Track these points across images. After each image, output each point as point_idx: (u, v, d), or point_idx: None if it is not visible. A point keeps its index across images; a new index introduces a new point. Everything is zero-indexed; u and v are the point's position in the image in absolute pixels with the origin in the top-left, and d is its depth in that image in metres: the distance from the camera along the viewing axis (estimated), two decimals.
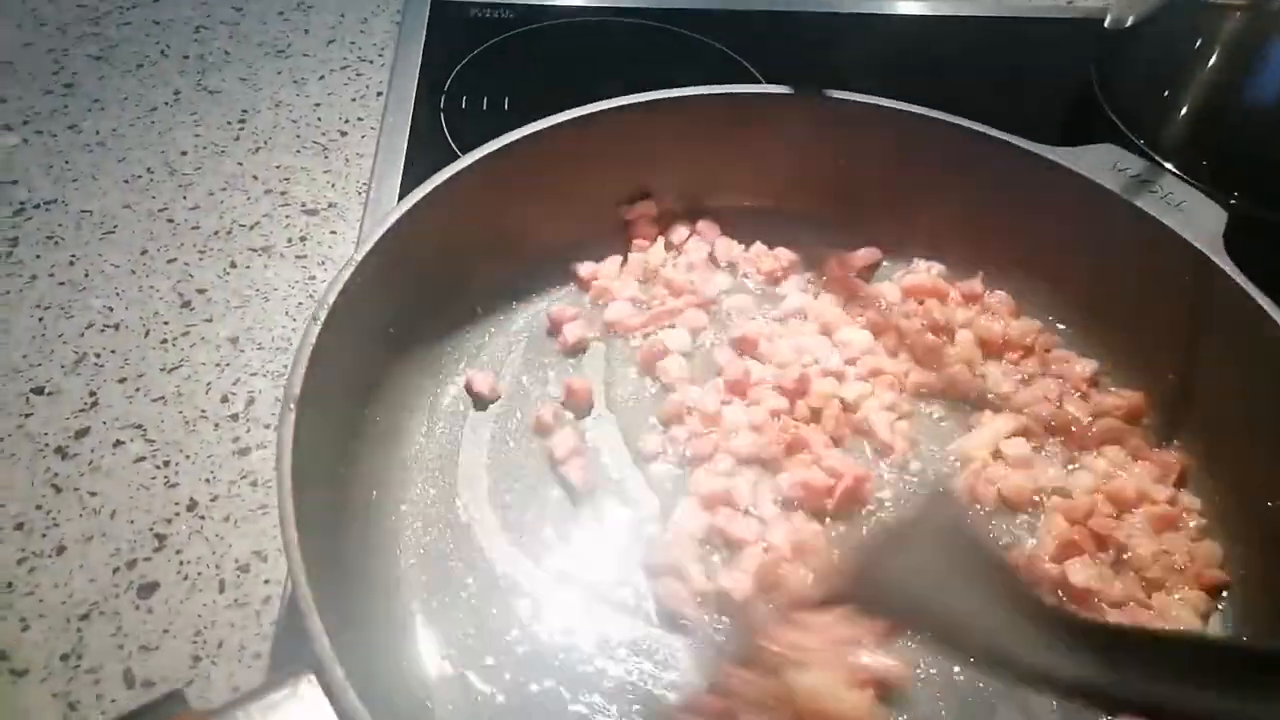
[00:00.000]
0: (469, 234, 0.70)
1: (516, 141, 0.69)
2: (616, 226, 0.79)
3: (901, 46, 1.06)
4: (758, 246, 0.79)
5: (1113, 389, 0.72)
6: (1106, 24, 1.00)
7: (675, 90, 0.73)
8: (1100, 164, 0.71)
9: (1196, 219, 0.67)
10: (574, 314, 0.74)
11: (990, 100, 0.95)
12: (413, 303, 0.68)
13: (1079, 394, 0.72)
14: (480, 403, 0.70)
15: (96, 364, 0.74)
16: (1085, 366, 0.72)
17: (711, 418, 0.68)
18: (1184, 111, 0.93)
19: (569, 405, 0.69)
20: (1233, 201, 0.88)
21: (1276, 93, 0.87)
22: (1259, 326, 0.62)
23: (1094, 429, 0.70)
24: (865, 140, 0.75)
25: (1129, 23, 0.97)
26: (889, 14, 1.11)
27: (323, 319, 0.57)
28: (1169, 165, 0.90)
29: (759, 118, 0.75)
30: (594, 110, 0.72)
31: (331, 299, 0.59)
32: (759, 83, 0.95)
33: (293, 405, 0.53)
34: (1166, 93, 0.94)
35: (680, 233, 0.79)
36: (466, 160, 0.68)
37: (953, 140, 0.73)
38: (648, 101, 0.72)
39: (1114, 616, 0.60)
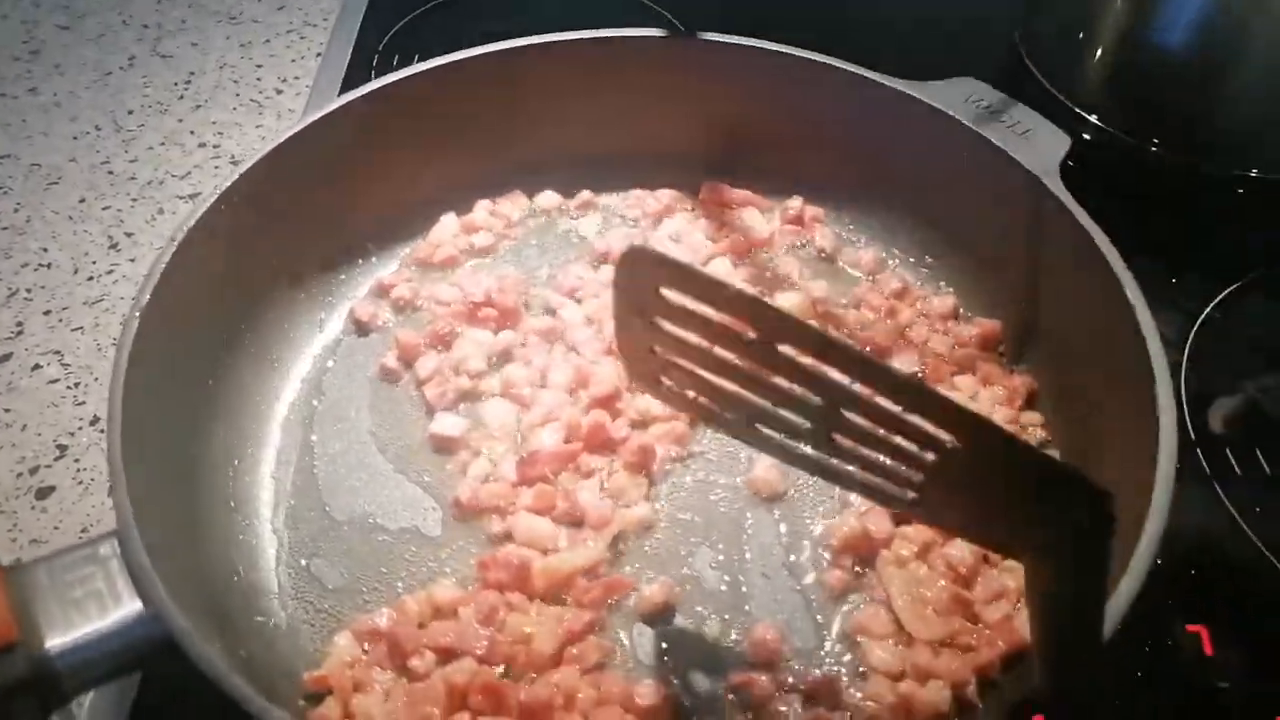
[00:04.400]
0: (348, 173, 0.75)
1: (389, 85, 0.74)
2: (499, 171, 0.82)
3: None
4: (636, 192, 0.82)
5: (969, 317, 0.73)
6: None
7: (544, 36, 0.77)
8: (956, 97, 0.72)
9: (1040, 147, 0.68)
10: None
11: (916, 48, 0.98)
12: (295, 237, 0.73)
13: (940, 330, 0.73)
14: (362, 330, 0.75)
15: (26, 298, 0.81)
16: (944, 302, 0.74)
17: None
18: (1097, 56, 0.93)
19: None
20: (1154, 149, 0.89)
21: (1183, 35, 0.87)
22: (1085, 248, 0.63)
23: (950, 359, 0.72)
24: (738, 82, 0.78)
25: None
26: None
27: (179, 239, 0.63)
28: (1086, 108, 0.91)
29: (634, 62, 0.78)
30: (464, 56, 0.76)
31: (189, 224, 0.64)
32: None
33: (138, 314, 0.58)
34: (1080, 35, 0.94)
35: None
36: (339, 101, 0.72)
37: (816, 78, 0.75)
38: (516, 48, 0.76)
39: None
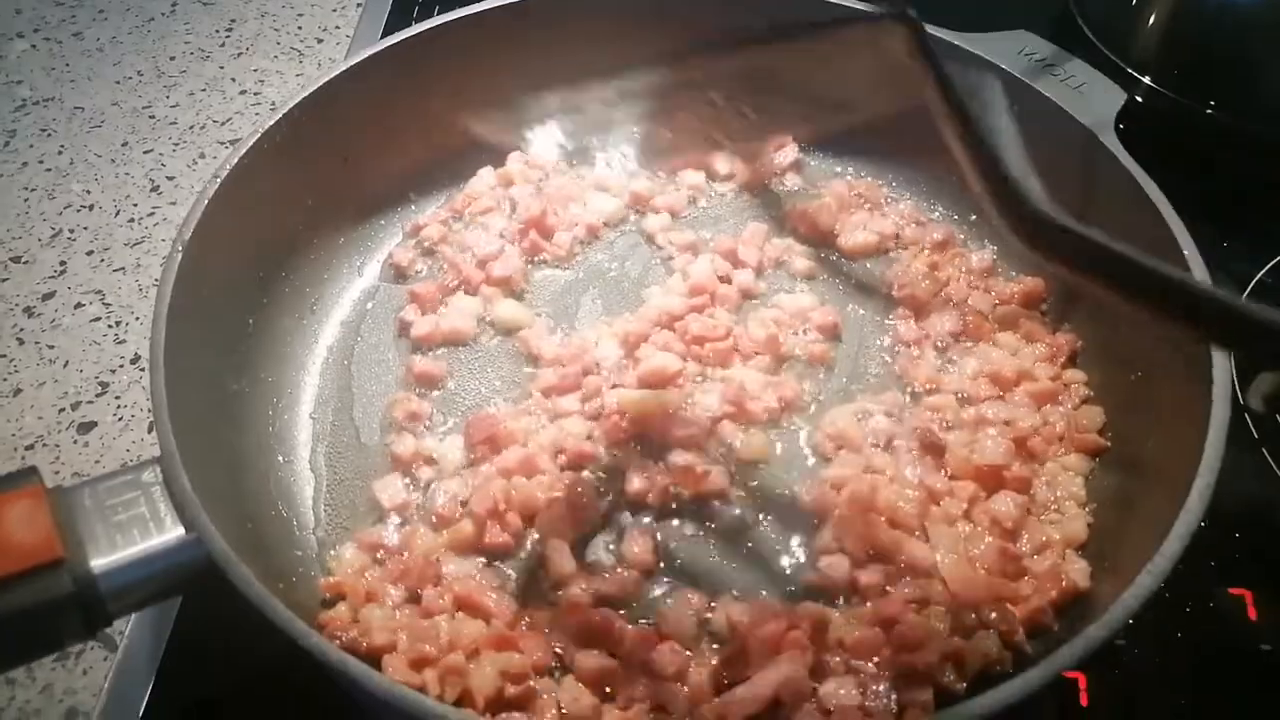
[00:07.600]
0: (386, 119, 0.74)
1: (427, 30, 0.73)
2: (532, 120, 0.80)
3: None
4: None
5: (1012, 274, 0.72)
6: None
7: None
8: (1008, 49, 0.71)
9: (1094, 102, 0.67)
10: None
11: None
12: (334, 183, 0.73)
13: (981, 288, 0.72)
14: (400, 275, 0.75)
15: (70, 238, 0.81)
16: (982, 258, 0.73)
17: None
18: (1151, 15, 0.91)
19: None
20: (1208, 111, 0.87)
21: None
22: (1138, 205, 0.62)
23: (992, 316, 0.70)
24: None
25: None
26: None
27: (222, 177, 0.63)
28: (1139, 68, 0.89)
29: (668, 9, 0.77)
30: (493, 5, 0.75)
31: (231, 163, 0.64)
32: None
33: (180, 248, 0.59)
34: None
35: None
36: (378, 45, 0.72)
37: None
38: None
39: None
